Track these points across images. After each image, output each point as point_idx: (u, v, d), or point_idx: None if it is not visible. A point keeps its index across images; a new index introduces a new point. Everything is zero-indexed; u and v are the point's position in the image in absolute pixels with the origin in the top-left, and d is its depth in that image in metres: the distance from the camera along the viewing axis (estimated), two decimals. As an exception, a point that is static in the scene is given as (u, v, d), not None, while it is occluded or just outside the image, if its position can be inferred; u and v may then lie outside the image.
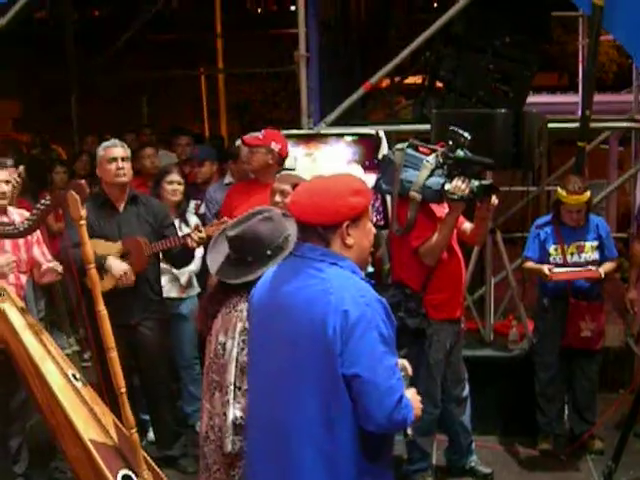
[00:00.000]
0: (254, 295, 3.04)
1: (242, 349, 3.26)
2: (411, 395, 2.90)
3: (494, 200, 4.88)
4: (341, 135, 6.35)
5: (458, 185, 4.72)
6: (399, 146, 5.06)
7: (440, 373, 5.15)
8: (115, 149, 5.29)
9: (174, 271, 5.89)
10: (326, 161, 4.15)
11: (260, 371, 2.96)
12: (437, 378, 5.13)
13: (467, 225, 5.18)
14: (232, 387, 3.27)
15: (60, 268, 4.78)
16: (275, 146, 5.50)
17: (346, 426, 2.78)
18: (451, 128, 4.85)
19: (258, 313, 3.01)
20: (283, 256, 3.28)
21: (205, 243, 5.33)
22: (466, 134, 4.77)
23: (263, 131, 5.59)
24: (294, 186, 4.19)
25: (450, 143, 4.83)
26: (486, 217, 5.05)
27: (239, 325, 3.29)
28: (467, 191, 4.72)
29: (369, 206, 2.93)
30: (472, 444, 5.54)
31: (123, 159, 5.28)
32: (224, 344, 3.32)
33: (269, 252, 3.33)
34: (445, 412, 5.33)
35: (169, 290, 5.99)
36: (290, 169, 4.85)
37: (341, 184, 2.89)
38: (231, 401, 3.25)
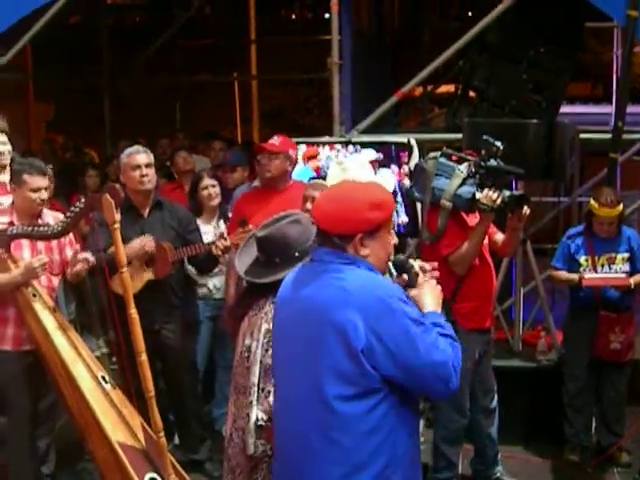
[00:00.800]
0: (276, 299, 3.08)
1: (266, 350, 3.28)
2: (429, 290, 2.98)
3: (526, 211, 4.86)
4: (373, 144, 6.35)
5: (489, 195, 4.72)
6: (432, 154, 5.08)
7: (468, 383, 5.14)
8: (138, 156, 5.31)
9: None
10: (356, 169, 4.16)
11: (282, 375, 3.00)
12: (465, 388, 5.12)
13: (499, 236, 5.17)
14: (255, 388, 3.28)
15: (92, 259, 4.80)
16: (292, 152, 5.53)
17: (370, 422, 2.78)
18: (484, 137, 4.86)
19: (280, 317, 3.04)
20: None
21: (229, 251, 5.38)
22: (498, 143, 4.78)
23: (277, 137, 5.58)
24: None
25: (482, 152, 4.84)
26: (517, 228, 5.04)
27: (264, 327, 3.31)
28: (498, 201, 4.72)
29: (389, 219, 2.93)
30: (498, 455, 5.52)
31: (147, 166, 5.30)
32: (249, 346, 3.34)
33: (297, 254, 3.36)
34: (473, 422, 5.31)
35: (220, 290, 6.04)
36: (321, 177, 4.87)
37: (361, 196, 2.88)
38: (254, 402, 3.27)
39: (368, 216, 2.84)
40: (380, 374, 2.75)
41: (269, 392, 3.24)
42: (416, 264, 3.08)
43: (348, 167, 4.24)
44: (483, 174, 4.81)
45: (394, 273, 3.06)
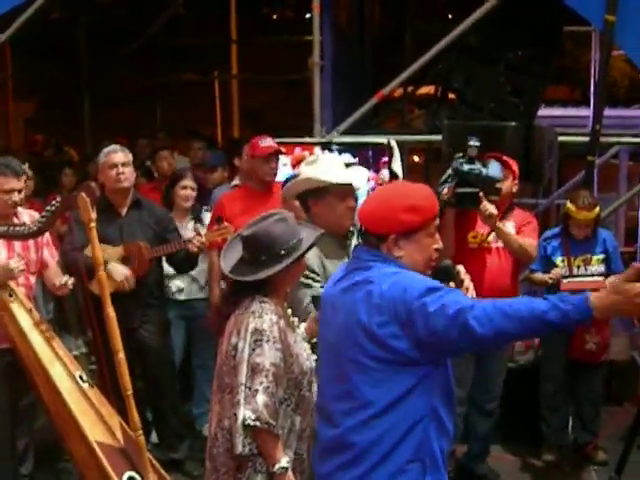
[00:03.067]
0: (323, 293, 3.18)
1: (253, 349, 3.28)
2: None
3: (486, 208, 4.93)
4: (353, 144, 6.38)
5: (443, 192, 4.85)
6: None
7: (454, 374, 5.16)
8: (115, 155, 5.31)
9: (193, 272, 5.91)
10: (328, 165, 4.17)
11: (321, 365, 3.12)
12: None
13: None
14: (243, 387, 3.29)
15: (71, 281, 4.80)
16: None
17: (387, 405, 2.82)
18: (468, 139, 4.93)
19: (322, 312, 3.14)
20: (295, 257, 3.34)
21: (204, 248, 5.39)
22: (472, 142, 4.84)
23: (270, 139, 5.63)
24: (298, 195, 4.23)
25: (460, 154, 4.92)
26: (490, 225, 5.09)
27: (251, 326, 3.31)
28: (447, 197, 4.86)
29: (427, 223, 2.92)
30: (486, 454, 5.60)
31: (124, 164, 5.30)
32: (236, 345, 3.34)
33: (282, 252, 3.36)
34: (469, 422, 5.45)
35: (189, 291, 6.04)
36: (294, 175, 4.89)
37: (398, 197, 2.92)
38: (242, 402, 3.27)
39: (402, 218, 2.86)
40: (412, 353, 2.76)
41: (256, 391, 3.25)
42: (462, 270, 3.08)
43: (320, 160, 4.25)
44: (458, 175, 4.91)
45: None
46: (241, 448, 3.27)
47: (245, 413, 3.24)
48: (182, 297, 6.04)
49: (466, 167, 4.91)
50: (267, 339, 3.28)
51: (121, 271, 5.18)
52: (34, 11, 7.28)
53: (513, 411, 6.00)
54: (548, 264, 5.76)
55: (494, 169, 5.01)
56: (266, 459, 3.30)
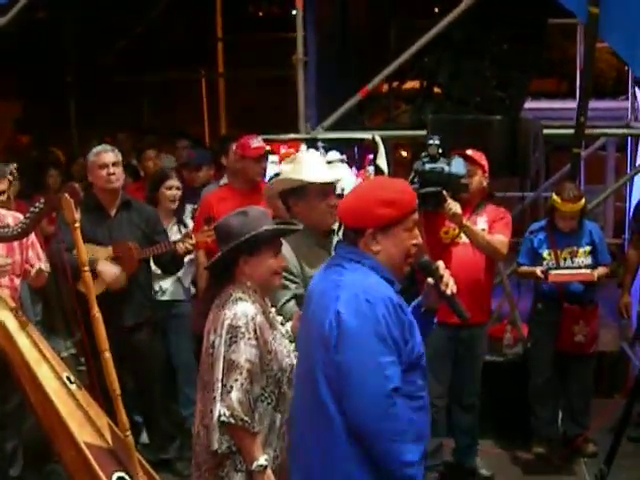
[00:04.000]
0: (308, 288, 3.20)
1: (229, 346, 3.29)
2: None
3: (450, 208, 4.95)
4: (338, 140, 6.37)
5: None
6: None
7: (432, 371, 5.16)
8: (106, 155, 5.30)
9: (178, 274, 5.91)
10: (309, 162, 4.16)
11: (298, 363, 3.14)
12: (429, 375, 5.16)
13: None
14: (219, 384, 3.29)
15: (47, 267, 4.79)
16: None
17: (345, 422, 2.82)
18: (428, 137, 4.95)
19: (305, 305, 3.15)
20: (236, 243, 3.37)
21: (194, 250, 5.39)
22: (431, 141, 4.88)
23: (260, 139, 5.63)
24: (279, 194, 4.22)
25: (424, 153, 4.98)
26: (455, 223, 5.09)
27: (226, 322, 3.32)
28: None
29: (403, 217, 2.92)
30: (475, 447, 5.63)
31: (114, 164, 5.29)
32: (213, 342, 3.35)
33: (237, 243, 3.38)
34: (452, 417, 5.51)
35: (174, 292, 6.03)
36: (277, 174, 4.88)
37: (375, 191, 2.95)
38: (217, 398, 3.28)
39: (378, 212, 2.88)
40: None
41: (231, 387, 3.26)
42: (441, 265, 3.08)
43: (300, 159, 4.24)
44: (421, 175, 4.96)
45: None
46: (217, 445, 3.29)
47: (221, 410, 3.26)
48: (165, 297, 6.01)
49: (428, 166, 4.93)
50: (242, 336, 3.29)
51: (111, 270, 5.17)
52: (18, 10, 7.25)
53: (502, 404, 6.03)
54: (535, 257, 5.77)
55: (457, 166, 5.02)
56: (244, 457, 3.31)
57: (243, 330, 3.29)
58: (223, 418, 3.25)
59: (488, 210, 5.34)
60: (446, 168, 4.93)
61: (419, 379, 2.93)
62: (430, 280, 3.07)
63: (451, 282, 3.05)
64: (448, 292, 3.04)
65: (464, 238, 5.21)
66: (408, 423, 2.81)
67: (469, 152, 5.21)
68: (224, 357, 3.30)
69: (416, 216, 2.98)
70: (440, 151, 4.95)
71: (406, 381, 2.84)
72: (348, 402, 2.78)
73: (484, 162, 5.26)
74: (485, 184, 5.29)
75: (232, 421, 3.24)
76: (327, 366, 2.83)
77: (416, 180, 4.94)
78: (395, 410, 2.75)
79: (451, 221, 5.09)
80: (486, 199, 5.40)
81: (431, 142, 4.95)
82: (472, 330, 5.28)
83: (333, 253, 3.14)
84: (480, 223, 5.25)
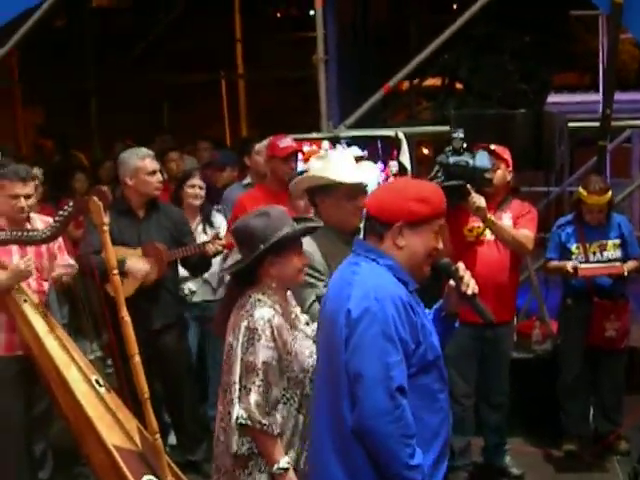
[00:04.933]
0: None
1: (247, 348, 3.27)
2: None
3: (471, 200, 4.90)
4: (361, 138, 6.34)
5: None
6: None
7: (458, 369, 5.15)
8: (152, 161, 5.32)
9: (205, 275, 5.90)
10: (339, 161, 4.13)
11: (317, 362, 3.10)
12: (454, 373, 5.11)
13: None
14: (237, 386, 3.28)
15: (74, 268, 4.80)
16: None
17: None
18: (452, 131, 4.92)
19: (321, 307, 3.14)
20: (267, 246, 3.34)
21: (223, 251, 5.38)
22: (455, 135, 4.86)
23: (288, 138, 5.61)
24: (307, 190, 4.18)
25: (448, 147, 4.95)
26: (479, 217, 5.05)
27: (243, 325, 3.31)
28: None
29: (434, 216, 2.92)
30: (505, 446, 5.56)
31: (160, 171, 5.37)
32: (231, 344, 3.34)
33: (261, 246, 3.35)
34: (480, 416, 5.46)
35: (202, 293, 6.02)
36: (304, 171, 4.86)
37: (412, 188, 2.97)
38: (235, 400, 3.26)
39: (412, 206, 2.87)
40: None
41: (249, 389, 3.25)
42: (461, 267, 3.05)
43: (330, 158, 4.21)
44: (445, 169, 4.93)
45: None
46: (236, 447, 3.28)
47: (238, 412, 3.25)
48: (195, 299, 6.01)
49: (452, 160, 4.90)
50: (259, 337, 3.28)
51: (140, 267, 5.16)
52: (39, 17, 7.27)
53: (532, 402, 5.97)
54: (563, 251, 5.71)
55: (482, 159, 4.97)
56: (265, 459, 3.30)
57: (260, 332, 3.28)
58: (241, 420, 3.24)
59: (513, 206, 5.29)
60: (470, 161, 4.89)
61: (436, 381, 2.91)
62: (451, 282, 3.04)
63: (472, 283, 3.02)
64: (469, 292, 3.01)
65: (489, 236, 5.17)
66: (415, 424, 2.77)
67: (492, 146, 5.17)
68: (241, 359, 3.29)
69: (443, 222, 2.97)
70: (464, 145, 4.91)
71: (419, 383, 2.83)
72: (356, 401, 2.76)
73: (507, 156, 5.22)
74: (509, 179, 5.25)
75: (249, 423, 3.23)
76: (338, 364, 2.82)
77: (440, 174, 4.90)
78: (400, 411, 2.72)
79: (475, 215, 5.04)
80: (511, 194, 5.35)
81: (455, 136, 4.92)
82: (497, 329, 5.22)
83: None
84: (505, 219, 5.20)
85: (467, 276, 3.02)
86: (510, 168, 5.24)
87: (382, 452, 2.74)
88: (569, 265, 5.55)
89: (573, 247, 5.67)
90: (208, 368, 6.22)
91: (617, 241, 5.66)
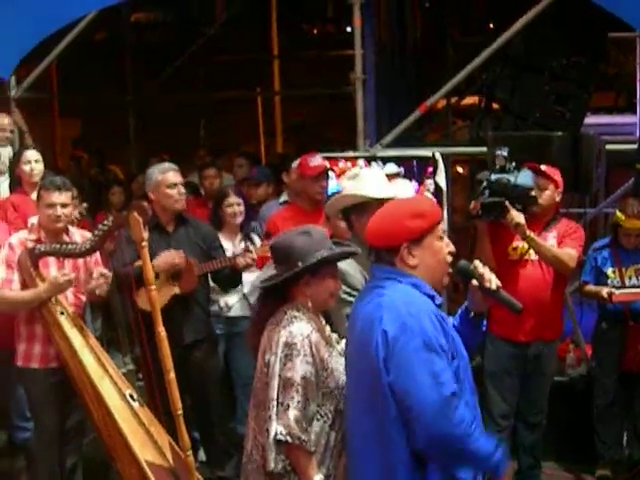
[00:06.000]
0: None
1: (284, 364, 3.27)
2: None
3: (512, 218, 4.89)
4: (397, 158, 6.35)
5: (471, 206, 4.98)
6: None
7: (498, 388, 5.16)
8: (176, 175, 5.35)
9: (245, 290, 5.91)
10: (370, 180, 4.14)
11: (347, 388, 3.14)
12: (494, 392, 5.18)
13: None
14: (275, 402, 3.27)
15: (109, 273, 4.83)
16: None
17: (401, 442, 2.81)
18: (496, 150, 4.95)
19: (348, 332, 3.18)
20: (304, 267, 3.35)
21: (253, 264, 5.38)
22: (499, 152, 4.90)
23: (319, 157, 5.63)
24: (342, 210, 4.19)
25: (494, 165, 4.99)
26: (518, 233, 5.02)
27: (282, 340, 3.31)
28: (475, 210, 4.97)
29: (433, 226, 2.96)
30: (537, 470, 5.50)
31: (181, 184, 5.36)
32: (269, 361, 3.34)
33: (299, 263, 3.37)
34: (516, 436, 5.42)
35: (238, 309, 6.01)
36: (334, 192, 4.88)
37: (403, 207, 3.01)
38: (273, 417, 3.25)
39: (408, 224, 2.91)
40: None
41: (288, 406, 3.24)
42: (478, 264, 3.08)
43: (361, 176, 4.21)
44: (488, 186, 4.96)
45: None
46: (273, 465, 3.27)
47: (277, 428, 3.23)
48: (231, 314, 6.01)
49: (494, 177, 4.92)
50: (297, 353, 3.27)
51: (168, 255, 5.17)
52: (80, 31, 7.36)
53: (566, 426, 5.92)
54: (599, 275, 5.67)
55: (524, 178, 4.98)
56: (299, 476, 3.28)
57: (299, 347, 3.28)
58: (280, 437, 3.22)
59: (560, 225, 5.27)
60: (512, 179, 4.90)
61: (466, 393, 2.92)
62: (474, 282, 3.06)
63: (493, 277, 3.04)
64: (493, 287, 3.03)
65: (533, 256, 5.15)
66: (473, 420, 2.81)
67: (543, 167, 5.17)
68: (279, 375, 3.28)
69: (443, 226, 3.02)
70: (513, 164, 4.92)
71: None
72: (412, 421, 2.77)
73: (558, 177, 5.20)
74: (558, 199, 5.24)
75: (289, 440, 3.22)
76: (379, 389, 2.82)
77: (484, 191, 4.91)
78: (459, 413, 2.75)
79: (515, 232, 5.02)
80: (559, 215, 5.34)
81: (499, 153, 4.93)
82: (540, 346, 5.22)
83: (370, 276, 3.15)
84: (549, 238, 5.19)
85: (487, 272, 3.05)
86: (560, 189, 5.22)
87: (455, 455, 2.79)
88: (604, 291, 5.52)
89: (609, 271, 5.64)
90: (235, 384, 6.22)
91: (654, 266, 5.63)
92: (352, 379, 3.06)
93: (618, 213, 5.60)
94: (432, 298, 2.93)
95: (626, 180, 6.73)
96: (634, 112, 8.96)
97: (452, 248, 3.01)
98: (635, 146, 6.40)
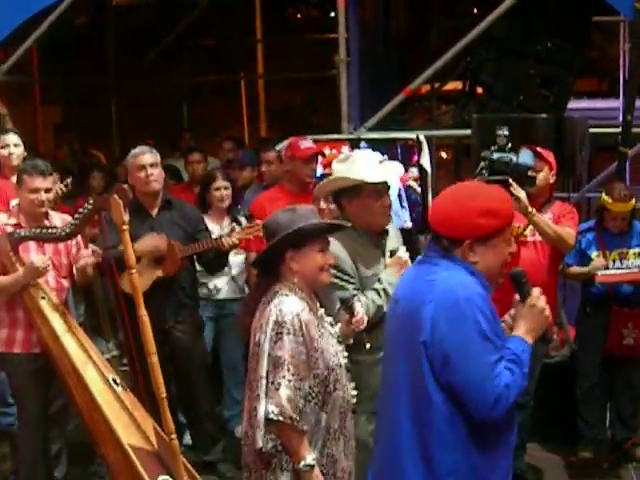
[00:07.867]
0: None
1: (275, 342, 3.25)
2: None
3: (518, 193, 4.86)
4: (381, 141, 6.33)
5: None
6: None
7: None
8: (143, 156, 5.30)
9: (233, 273, 5.91)
10: (362, 163, 4.11)
11: (385, 363, 3.05)
12: None
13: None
14: (264, 381, 3.25)
15: (98, 251, 4.80)
16: None
17: (436, 420, 2.75)
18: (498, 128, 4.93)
19: (389, 308, 3.09)
20: (279, 237, 3.34)
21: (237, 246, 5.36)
22: (500, 131, 4.87)
23: (309, 141, 5.61)
24: (333, 193, 4.17)
25: (493, 145, 4.93)
26: (519, 210, 5.00)
27: (271, 319, 3.29)
28: None
29: (504, 227, 2.81)
30: (522, 450, 5.50)
31: (152, 165, 5.28)
32: (259, 339, 3.32)
33: (282, 236, 3.37)
34: None
35: (227, 291, 6.01)
36: (324, 175, 4.86)
37: (475, 200, 2.78)
38: (262, 396, 3.23)
39: (479, 222, 2.74)
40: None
41: (279, 384, 3.22)
42: (535, 292, 2.88)
43: (353, 158, 4.18)
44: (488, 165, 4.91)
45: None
46: (261, 443, 3.24)
47: (268, 407, 3.21)
48: (219, 296, 6.00)
49: (496, 155, 4.89)
50: (288, 331, 3.25)
51: (150, 240, 5.15)
52: (59, 15, 7.29)
53: (549, 407, 5.92)
54: (583, 258, 5.68)
55: (525, 157, 4.97)
56: (291, 456, 3.26)
57: (289, 326, 3.26)
58: (272, 416, 3.20)
59: (554, 207, 5.28)
60: (514, 158, 4.88)
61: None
62: (516, 297, 2.90)
63: (541, 301, 2.86)
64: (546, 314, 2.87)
65: (529, 237, 5.16)
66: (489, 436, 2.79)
67: (538, 149, 5.16)
68: (269, 354, 3.26)
69: (513, 226, 2.90)
70: (509, 144, 4.91)
71: None
72: (470, 407, 2.71)
73: (552, 159, 5.22)
74: (552, 181, 5.25)
75: (281, 419, 3.20)
76: (423, 372, 2.75)
77: (484, 171, 4.88)
78: (509, 404, 2.72)
79: (515, 207, 4.98)
80: (552, 197, 5.34)
81: (500, 132, 4.90)
82: None
83: (422, 252, 2.99)
84: (545, 219, 5.17)
85: (534, 293, 2.86)
86: (554, 171, 5.23)
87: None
88: (588, 269, 5.55)
89: (593, 254, 5.65)
90: (223, 367, 6.21)
91: (638, 250, 5.64)
92: (394, 360, 2.91)
93: (604, 196, 5.60)
94: (485, 289, 2.79)
95: (607, 164, 6.75)
96: (617, 97, 8.97)
97: (514, 249, 2.90)
98: (619, 130, 6.39)
